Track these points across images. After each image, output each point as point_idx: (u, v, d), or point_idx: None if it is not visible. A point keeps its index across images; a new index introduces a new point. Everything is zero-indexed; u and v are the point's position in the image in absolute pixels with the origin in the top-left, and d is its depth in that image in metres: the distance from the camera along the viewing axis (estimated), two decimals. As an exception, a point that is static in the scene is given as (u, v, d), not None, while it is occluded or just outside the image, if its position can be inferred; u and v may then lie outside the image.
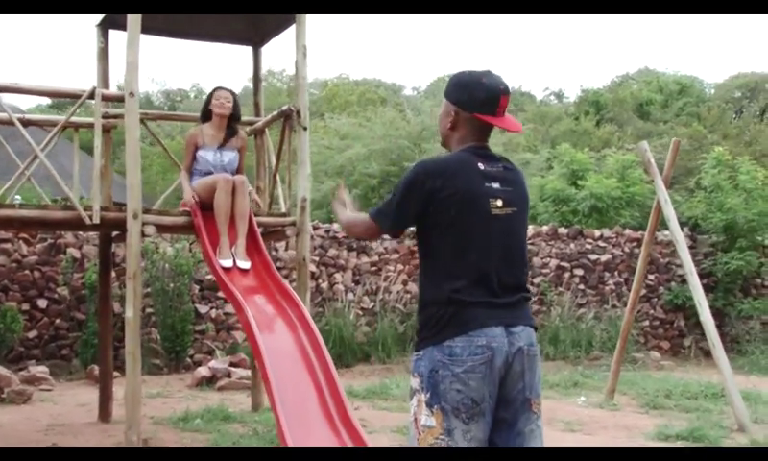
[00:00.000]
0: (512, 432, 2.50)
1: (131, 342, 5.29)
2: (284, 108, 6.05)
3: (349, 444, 3.93)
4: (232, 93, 5.85)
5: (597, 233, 11.77)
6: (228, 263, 5.08)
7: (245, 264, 5.15)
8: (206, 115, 5.80)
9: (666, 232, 12.41)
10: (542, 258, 11.39)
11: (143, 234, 5.35)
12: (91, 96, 5.40)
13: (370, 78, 35.73)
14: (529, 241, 11.43)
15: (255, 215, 5.63)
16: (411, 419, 2.53)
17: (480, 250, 2.50)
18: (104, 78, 6.31)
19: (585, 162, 13.75)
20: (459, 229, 2.50)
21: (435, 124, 18.73)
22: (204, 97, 6.10)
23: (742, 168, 11.34)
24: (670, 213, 6.85)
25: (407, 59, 47.95)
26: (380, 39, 58.79)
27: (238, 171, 5.75)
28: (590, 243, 11.66)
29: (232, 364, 8.48)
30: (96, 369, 8.46)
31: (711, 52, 56.07)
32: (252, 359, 8.91)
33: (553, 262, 11.39)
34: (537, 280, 11.21)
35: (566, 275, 11.37)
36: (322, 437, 3.98)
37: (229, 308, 9.75)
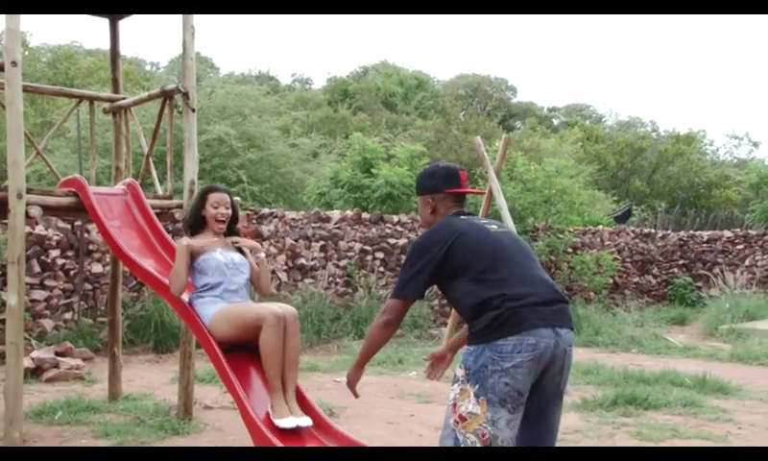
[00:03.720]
0: (543, 414, 2.99)
1: (13, 332, 4.86)
2: (167, 87, 5.86)
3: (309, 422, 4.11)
4: (228, 193, 4.58)
5: (395, 219, 12.64)
6: (287, 423, 3.91)
7: (305, 421, 4.00)
8: (197, 223, 4.48)
9: (452, 219, 13.72)
10: (348, 242, 11.97)
11: (27, 216, 4.92)
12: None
13: (104, 48, 33.63)
14: (335, 226, 11.97)
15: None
16: (450, 402, 2.89)
17: (505, 258, 2.95)
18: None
19: (376, 151, 14.59)
20: (478, 257, 2.92)
21: (212, 104, 18.71)
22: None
23: (518, 161, 12.91)
24: (502, 202, 7.76)
25: (144, 32, 45.84)
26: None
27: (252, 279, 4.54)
28: (390, 228, 12.49)
29: (57, 353, 7.88)
30: None
31: (438, 51, 61.33)
32: (84, 345, 8.41)
33: (357, 246, 12.03)
34: (342, 263, 11.78)
35: (369, 258, 12.08)
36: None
37: (36, 294, 8.99)
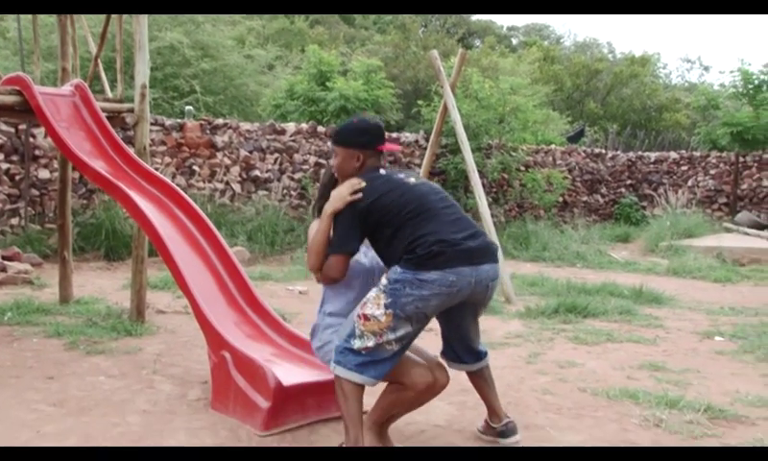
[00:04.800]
0: (459, 327, 3.36)
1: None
2: (116, -13, 5.68)
3: (261, 323, 4.25)
4: None
5: (350, 133, 12.59)
6: None
7: None
8: None
9: (407, 134, 13.79)
10: (303, 155, 11.96)
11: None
12: None
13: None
14: (290, 138, 11.91)
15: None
16: (364, 300, 3.14)
17: (428, 205, 3.15)
18: None
19: (332, 64, 14.41)
20: (404, 209, 3.11)
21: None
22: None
23: (473, 78, 12.92)
24: (456, 117, 7.84)
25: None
26: None
27: None
28: (344, 141, 12.45)
29: (5, 258, 7.83)
30: None
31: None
32: (32, 251, 8.35)
33: (312, 159, 12.04)
34: (297, 176, 11.80)
35: (324, 171, 12.07)
36: (233, 318, 4.23)
37: (-18, 200, 8.85)
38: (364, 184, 3.14)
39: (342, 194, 3.15)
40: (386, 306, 3.03)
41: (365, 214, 3.11)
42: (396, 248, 3.08)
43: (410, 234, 3.05)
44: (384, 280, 3.09)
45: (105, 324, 5.65)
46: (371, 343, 3.04)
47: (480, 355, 3.43)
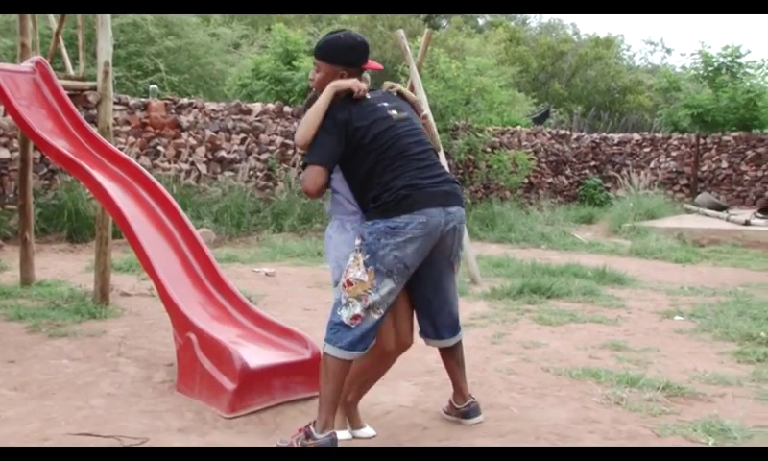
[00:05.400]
0: (439, 287, 3.30)
1: None
2: (76, -39, 5.55)
3: (227, 305, 4.23)
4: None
5: (317, 113, 12.52)
6: (343, 435, 3.29)
7: (365, 432, 3.43)
8: None
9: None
10: (269, 135, 11.87)
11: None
12: None
13: None
14: (257, 119, 11.81)
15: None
16: (345, 267, 3.13)
17: (403, 148, 3.12)
18: None
19: (299, 43, 14.30)
20: (380, 141, 3.09)
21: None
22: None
23: (440, 59, 12.92)
24: (423, 97, 7.83)
25: None
26: None
27: None
28: (311, 122, 12.37)
29: (-37, 241, 7.68)
30: None
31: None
32: None
33: (278, 140, 11.95)
34: (264, 157, 11.71)
35: (290, 152, 12.03)
36: (198, 299, 4.20)
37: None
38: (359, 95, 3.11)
39: (347, 81, 3.11)
40: (365, 264, 3.02)
41: (351, 134, 3.08)
42: (367, 185, 3.08)
43: (380, 175, 3.05)
44: (358, 240, 3.08)
45: (68, 306, 5.58)
46: (357, 310, 3.02)
47: (457, 327, 3.42)
